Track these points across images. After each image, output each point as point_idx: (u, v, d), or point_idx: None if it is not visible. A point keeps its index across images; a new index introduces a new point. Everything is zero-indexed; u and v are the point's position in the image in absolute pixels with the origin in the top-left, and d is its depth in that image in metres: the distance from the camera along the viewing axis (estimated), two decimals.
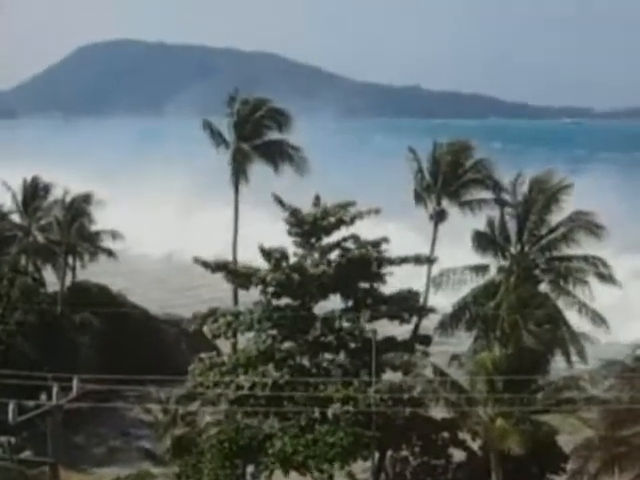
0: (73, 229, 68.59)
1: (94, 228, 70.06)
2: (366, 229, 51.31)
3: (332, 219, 49.76)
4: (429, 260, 51.51)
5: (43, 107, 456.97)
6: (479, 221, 50.69)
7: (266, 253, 49.25)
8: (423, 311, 51.26)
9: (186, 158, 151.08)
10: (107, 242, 70.50)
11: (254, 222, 70.85)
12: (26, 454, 52.99)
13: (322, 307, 50.39)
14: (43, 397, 47.42)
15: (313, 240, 50.44)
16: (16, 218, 70.28)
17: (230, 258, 54.57)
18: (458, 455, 48.56)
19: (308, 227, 50.06)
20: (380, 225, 54.20)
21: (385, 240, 50.09)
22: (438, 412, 47.40)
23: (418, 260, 50.71)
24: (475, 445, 47.51)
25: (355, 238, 50.30)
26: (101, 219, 70.53)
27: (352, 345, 49.02)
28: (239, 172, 58.22)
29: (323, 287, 49.28)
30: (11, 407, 25.34)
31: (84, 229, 69.11)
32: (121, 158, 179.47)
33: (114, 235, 70.05)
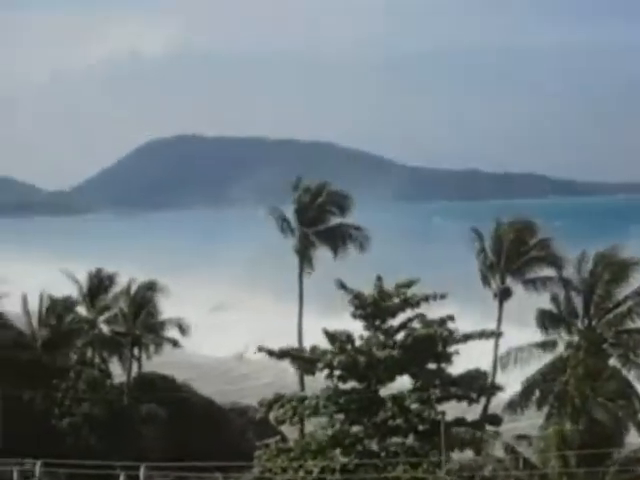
0: (138, 321, 68.94)
1: (159, 318, 70.28)
2: (431, 311, 50.92)
3: (396, 300, 49.46)
4: (495, 334, 50.96)
5: (112, 202, 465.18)
6: (543, 300, 50.39)
7: (331, 336, 49.05)
8: (491, 390, 50.49)
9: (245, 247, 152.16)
10: (172, 332, 70.56)
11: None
12: None
13: (388, 389, 49.82)
14: None
15: (378, 322, 50.13)
16: (82, 310, 70.77)
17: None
18: None
19: (371, 309, 49.84)
20: (445, 306, 53.77)
21: (450, 318, 49.66)
22: None
23: (483, 335, 50.13)
24: None
25: (421, 317, 49.88)
26: (166, 309, 70.82)
27: (421, 427, 48.32)
28: (304, 259, 58.71)
29: (390, 369, 48.79)
30: None
31: (149, 320, 69.39)
32: (188, 250, 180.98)
33: (180, 326, 70.18)
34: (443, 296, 49.84)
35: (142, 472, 28.70)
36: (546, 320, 49.24)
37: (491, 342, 52.19)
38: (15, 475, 27.14)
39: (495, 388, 50.89)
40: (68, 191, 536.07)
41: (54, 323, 65.01)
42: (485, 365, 51.36)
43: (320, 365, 49.61)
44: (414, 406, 48.46)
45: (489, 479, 42.83)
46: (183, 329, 69.72)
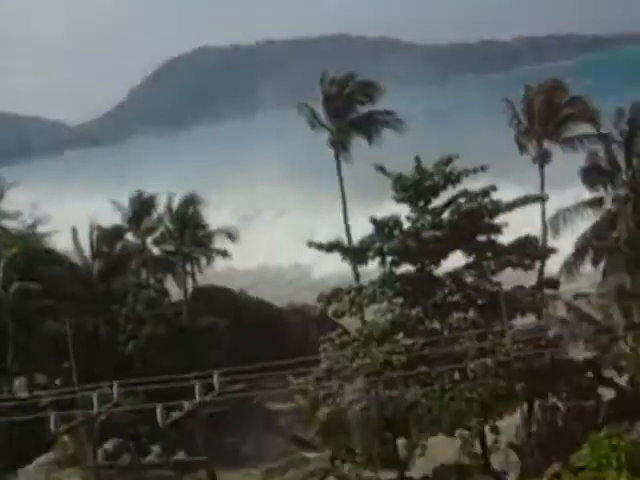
0: (185, 237, 69.51)
1: (205, 231, 70.73)
2: (473, 187, 50.54)
3: (437, 178, 49.20)
4: (540, 198, 50.77)
5: (142, 124, 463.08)
6: (582, 161, 50.09)
7: (378, 223, 49.02)
8: (544, 254, 50.50)
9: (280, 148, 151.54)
10: (220, 243, 71.02)
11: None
12: (179, 455, 53.88)
13: (442, 268, 49.94)
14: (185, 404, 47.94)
15: (422, 203, 49.97)
16: (129, 236, 71.45)
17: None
18: (607, 394, 47.75)
19: (413, 190, 49.58)
20: (486, 181, 53.39)
21: (493, 188, 49.10)
22: (578, 354, 46.83)
23: (528, 200, 49.78)
24: (622, 381, 46.70)
25: (465, 193, 49.57)
26: (210, 221, 71.24)
27: (480, 301, 48.63)
28: (339, 150, 58.76)
29: (441, 248, 48.83)
30: (159, 411, 25.71)
31: (196, 234, 69.91)
32: (225, 161, 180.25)
33: (229, 234, 70.49)
34: (484, 168, 49.31)
35: (215, 379, 29.20)
36: (590, 177, 48.95)
37: (537, 210, 51.95)
38: (95, 400, 27.79)
39: (548, 251, 50.85)
40: (98, 119, 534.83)
41: (106, 252, 65.76)
42: (535, 232, 51.26)
43: (370, 254, 49.68)
44: (470, 280, 48.65)
45: (554, 342, 43.23)
46: (232, 236, 70.13)
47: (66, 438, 42.32)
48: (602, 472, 11.76)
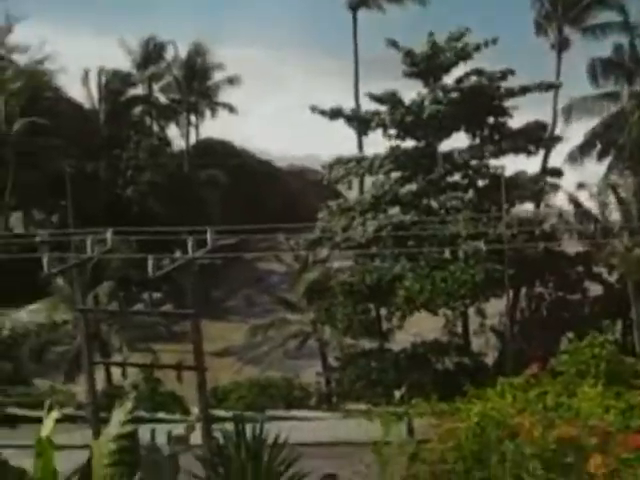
0: (193, 86, 68.78)
1: (212, 82, 69.89)
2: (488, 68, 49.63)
3: (448, 54, 48.30)
4: (554, 86, 49.95)
5: None
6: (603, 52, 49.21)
7: (377, 98, 48.51)
8: (550, 142, 50.03)
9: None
10: (227, 97, 70.31)
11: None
12: (166, 307, 54.68)
13: (449, 146, 49.52)
14: (178, 253, 48.36)
15: (432, 79, 49.21)
16: (137, 80, 70.60)
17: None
18: (594, 289, 48.11)
19: (424, 65, 48.72)
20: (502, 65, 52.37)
21: (511, 72, 48.08)
22: (572, 247, 47.01)
23: (541, 87, 48.89)
24: (612, 279, 47.00)
25: (479, 72, 48.65)
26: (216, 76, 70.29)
27: (480, 183, 48.43)
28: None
29: (445, 125, 48.27)
30: (150, 262, 25.79)
31: (202, 84, 69.12)
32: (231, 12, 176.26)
33: (231, 80, 69.38)
34: (495, 41, 48.03)
35: (209, 235, 29.22)
36: (607, 69, 48.17)
37: (550, 97, 51.27)
38: (88, 243, 27.88)
39: (554, 139, 50.34)
40: None
41: (113, 96, 65.15)
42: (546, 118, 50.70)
43: (373, 124, 49.28)
44: (473, 162, 48.30)
45: (550, 233, 43.28)
46: (233, 81, 69.13)
47: (60, 281, 42.72)
48: (580, 378, 12.04)
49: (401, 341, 47.29)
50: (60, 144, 59.08)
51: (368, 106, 50.59)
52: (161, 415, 38.62)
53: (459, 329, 47.16)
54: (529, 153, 49.60)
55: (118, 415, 6.75)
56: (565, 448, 7.55)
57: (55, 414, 6.82)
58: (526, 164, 50.78)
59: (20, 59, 71.25)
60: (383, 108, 48.69)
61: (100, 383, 37.82)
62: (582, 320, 44.19)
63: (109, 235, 29.16)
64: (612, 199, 41.39)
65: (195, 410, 33.68)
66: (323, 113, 50.44)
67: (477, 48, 48.31)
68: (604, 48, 50.06)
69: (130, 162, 64.03)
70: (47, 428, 6.70)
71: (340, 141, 57.94)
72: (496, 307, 47.23)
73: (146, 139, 66.01)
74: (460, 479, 8.02)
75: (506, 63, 48.70)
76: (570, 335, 42.35)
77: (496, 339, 47.61)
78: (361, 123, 50.61)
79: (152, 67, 69.87)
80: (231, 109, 69.96)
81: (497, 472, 7.83)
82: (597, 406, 9.24)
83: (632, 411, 9.07)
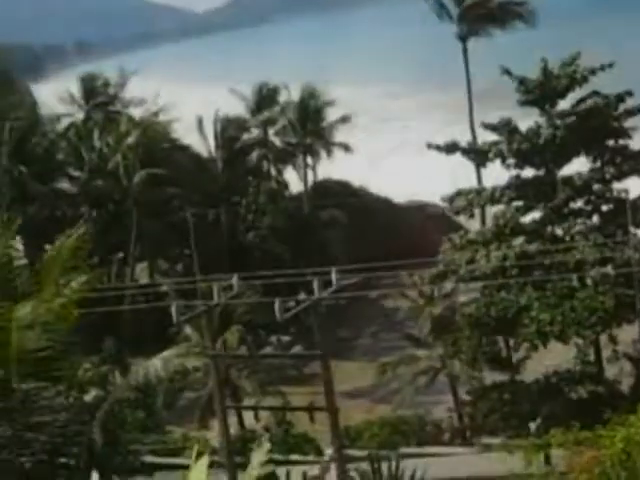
0: (307, 128, 69.49)
1: (326, 123, 70.47)
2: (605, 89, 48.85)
3: (563, 80, 47.77)
4: None
5: (272, 11, 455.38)
6: None
7: (493, 127, 48.27)
8: None
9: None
10: (341, 136, 70.76)
11: None
12: (296, 349, 55.07)
13: (566, 173, 48.82)
14: (303, 295, 48.80)
15: (547, 106, 48.74)
16: (252, 127, 71.70)
17: None
18: None
19: (538, 92, 48.33)
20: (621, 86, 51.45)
21: (628, 93, 47.30)
22: None
23: None
24: None
25: (596, 93, 47.96)
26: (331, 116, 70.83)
27: (604, 207, 47.62)
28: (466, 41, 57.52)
29: (563, 150, 47.69)
30: (277, 305, 26.09)
31: (317, 125, 69.79)
32: (347, 51, 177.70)
33: (344, 119, 69.84)
34: (611, 65, 47.47)
35: (333, 275, 29.43)
36: None
37: None
38: (215, 290, 28.34)
39: None
40: (222, 7, 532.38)
41: (229, 143, 66.29)
42: None
43: (491, 155, 49.03)
44: (596, 187, 47.55)
45: None
46: (346, 119, 69.52)
47: (188, 330, 43.50)
48: None
49: (532, 372, 46.66)
50: (180, 193, 60.28)
51: (483, 138, 50.38)
52: (295, 457, 38.94)
53: (591, 357, 46.23)
54: None
55: (257, 456, 6.80)
56: None
57: (205, 460, 6.87)
58: None
59: (135, 112, 73.31)
60: (500, 138, 48.42)
61: (233, 428, 38.32)
62: None
63: (235, 280, 29.64)
64: None
65: (328, 451, 33.86)
66: (439, 148, 50.36)
67: (593, 72, 47.72)
68: None
69: (250, 207, 64.96)
70: (199, 473, 6.72)
71: (456, 177, 57.49)
72: (629, 333, 46.22)
73: (265, 183, 66.97)
74: None
75: (625, 86, 47.76)
76: None
77: (631, 366, 46.55)
78: (478, 155, 50.36)
79: (266, 112, 70.91)
80: (347, 148, 70.47)
81: None
82: None
83: None
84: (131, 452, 26.03)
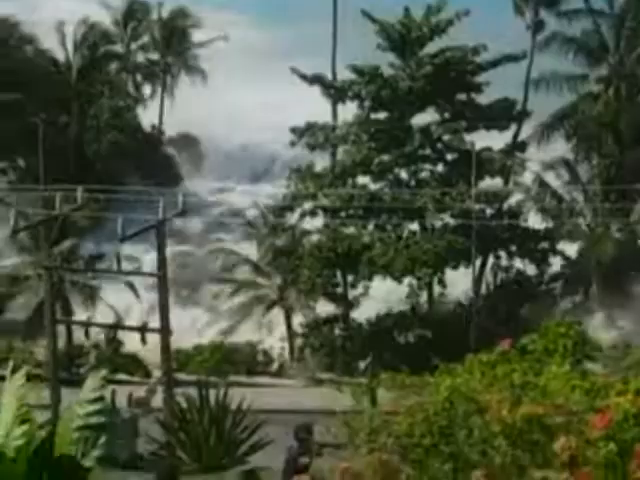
0: (171, 48, 68.06)
1: (189, 44, 68.87)
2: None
3: (424, 29, 48.39)
4: (524, 57, 49.92)
5: None
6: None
7: (358, 70, 48.57)
8: (520, 117, 50.23)
9: None
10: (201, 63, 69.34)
11: None
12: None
13: (418, 121, 49.58)
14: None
15: (407, 54, 49.25)
16: (116, 36, 69.12)
17: None
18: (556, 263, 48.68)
19: (398, 40, 48.84)
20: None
21: (483, 47, 48.32)
22: (537, 223, 47.45)
23: (511, 58, 49.02)
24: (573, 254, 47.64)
25: (453, 48, 48.66)
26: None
27: (450, 157, 48.67)
28: None
29: (419, 99, 48.43)
30: (120, 221, 25.88)
31: (181, 46, 68.35)
32: None
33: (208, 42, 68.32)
34: (467, 13, 48.36)
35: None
36: (577, 51, 49.03)
37: (523, 69, 51.32)
38: (57, 200, 27.79)
39: (524, 114, 50.47)
40: None
41: (89, 51, 64.10)
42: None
43: (349, 94, 49.35)
44: (445, 137, 48.44)
45: (516, 209, 43.41)
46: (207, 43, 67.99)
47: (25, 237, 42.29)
48: (548, 356, 12.12)
49: (367, 309, 47.46)
50: (24, 98, 57.78)
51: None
52: (122, 377, 38.66)
53: (424, 299, 47.50)
54: (500, 129, 49.83)
55: (93, 382, 6.65)
56: (531, 426, 7.59)
57: (21, 373, 6.66)
58: (496, 141, 51.01)
59: None
60: (359, 79, 48.73)
61: (61, 342, 37.68)
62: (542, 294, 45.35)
63: (79, 192, 28.94)
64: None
65: (157, 373, 33.67)
66: (304, 77, 50.09)
67: (450, 22, 48.49)
68: (577, 33, 50.68)
69: (97, 120, 63.26)
70: (15, 388, 6.54)
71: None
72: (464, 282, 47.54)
73: (115, 99, 64.94)
74: (427, 453, 8.05)
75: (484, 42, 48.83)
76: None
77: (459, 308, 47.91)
78: (337, 91, 50.34)
79: (131, 25, 68.68)
80: (203, 74, 68.84)
81: (464, 447, 7.86)
82: (563, 385, 9.31)
83: (597, 391, 9.14)
84: None
